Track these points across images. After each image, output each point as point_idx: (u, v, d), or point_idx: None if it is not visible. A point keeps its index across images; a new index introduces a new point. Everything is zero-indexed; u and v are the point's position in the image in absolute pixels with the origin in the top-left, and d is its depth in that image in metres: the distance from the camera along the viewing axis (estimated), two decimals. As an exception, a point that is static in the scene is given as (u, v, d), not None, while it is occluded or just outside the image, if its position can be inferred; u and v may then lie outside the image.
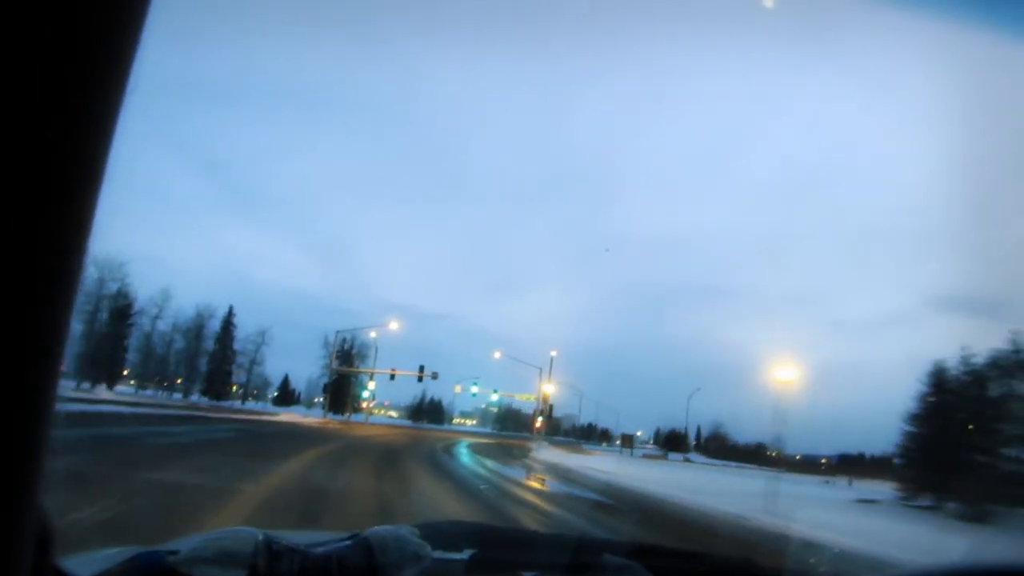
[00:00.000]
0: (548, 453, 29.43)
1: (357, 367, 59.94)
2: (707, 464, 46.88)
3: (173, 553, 0.86)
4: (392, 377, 44.98)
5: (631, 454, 52.24)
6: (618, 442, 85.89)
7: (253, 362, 65.95)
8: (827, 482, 29.20)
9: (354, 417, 53.68)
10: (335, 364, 46.74)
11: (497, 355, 53.25)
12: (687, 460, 51.23)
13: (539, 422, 53.60)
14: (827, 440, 59.57)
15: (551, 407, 44.03)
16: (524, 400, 52.62)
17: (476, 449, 28.17)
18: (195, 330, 56.03)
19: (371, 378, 49.86)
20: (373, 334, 48.84)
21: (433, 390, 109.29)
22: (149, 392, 47.86)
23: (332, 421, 40.20)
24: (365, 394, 51.59)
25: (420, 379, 43.81)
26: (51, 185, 0.46)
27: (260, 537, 0.86)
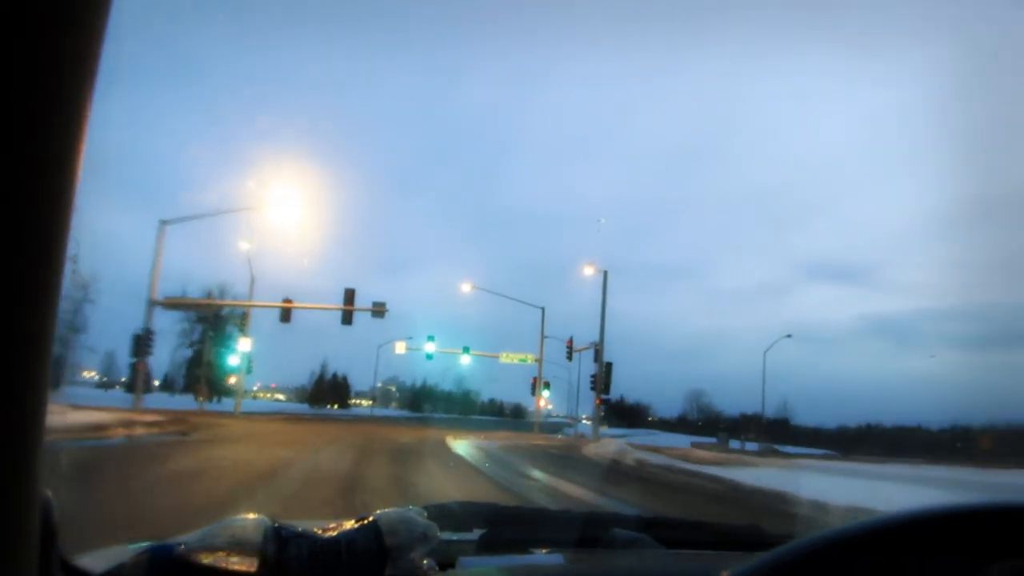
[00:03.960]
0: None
1: (228, 322, 36.57)
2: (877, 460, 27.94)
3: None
4: (285, 317, 22.21)
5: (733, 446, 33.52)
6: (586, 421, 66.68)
7: (74, 330, 40.89)
8: None
9: (210, 405, 30.87)
10: (158, 297, 22.26)
11: (467, 288, 31.90)
12: (772, 451, 32.66)
13: (542, 399, 33.20)
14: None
15: (608, 368, 23.29)
16: (514, 361, 31.68)
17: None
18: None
19: (243, 330, 26.49)
20: (244, 248, 25.41)
21: (338, 363, 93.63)
22: None
23: (142, 418, 16.83)
24: (233, 361, 28.15)
25: (348, 319, 21.50)
26: (26, 175, 0.44)
27: (269, 524, 0.87)
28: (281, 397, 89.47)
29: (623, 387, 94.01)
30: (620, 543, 1.17)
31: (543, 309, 30.92)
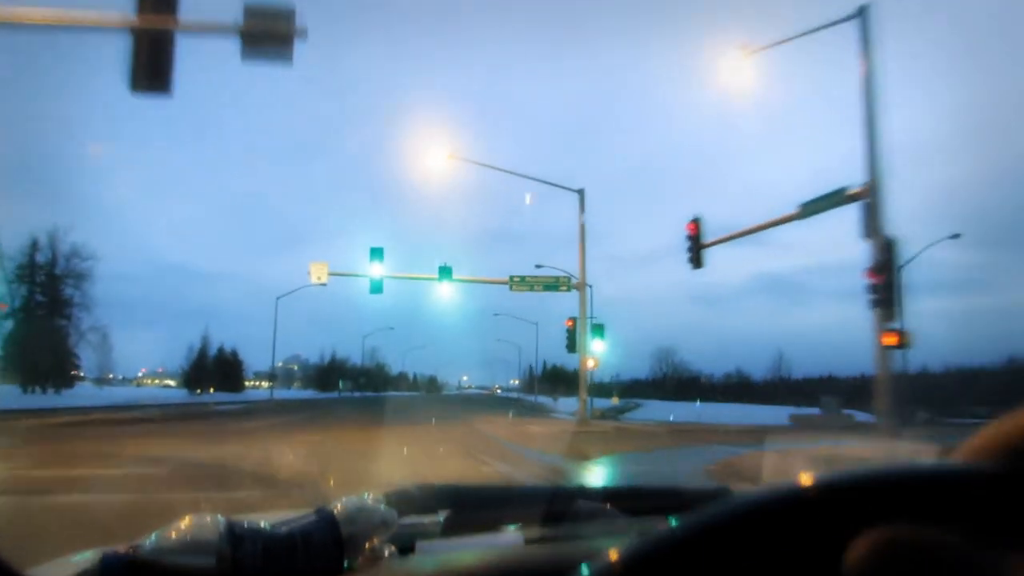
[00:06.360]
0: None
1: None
2: None
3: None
4: None
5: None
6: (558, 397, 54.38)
7: None
8: None
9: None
10: None
11: (441, 159, 17.43)
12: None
13: (590, 358, 19.61)
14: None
15: (890, 250, 9.84)
16: (537, 290, 17.75)
17: None
18: None
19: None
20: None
21: (222, 333, 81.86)
22: None
23: None
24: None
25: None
26: None
27: (223, 522, 0.84)
28: (172, 383, 77.30)
29: (554, 355, 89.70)
30: (584, 515, 1.16)
31: (582, 192, 17.00)
